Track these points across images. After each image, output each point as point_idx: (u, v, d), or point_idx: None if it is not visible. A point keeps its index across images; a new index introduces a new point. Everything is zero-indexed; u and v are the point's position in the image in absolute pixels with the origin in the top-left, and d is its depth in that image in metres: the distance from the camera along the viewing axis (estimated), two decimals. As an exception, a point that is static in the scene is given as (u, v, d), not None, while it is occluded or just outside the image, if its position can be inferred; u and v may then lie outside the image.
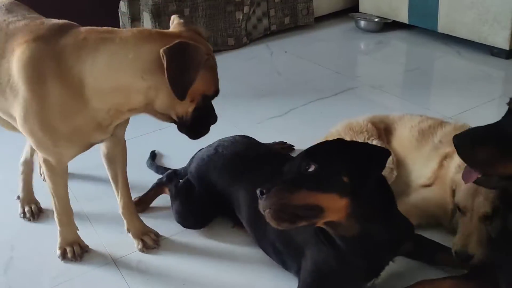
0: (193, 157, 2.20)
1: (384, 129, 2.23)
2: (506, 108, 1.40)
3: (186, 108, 1.67)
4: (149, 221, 2.12)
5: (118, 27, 3.57)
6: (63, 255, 1.97)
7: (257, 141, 2.18)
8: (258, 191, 1.40)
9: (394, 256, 1.65)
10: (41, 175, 2.33)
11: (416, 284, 1.63)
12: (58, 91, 1.59)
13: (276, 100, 3.21)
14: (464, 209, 1.72)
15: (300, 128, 2.83)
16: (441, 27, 3.77)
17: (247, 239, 1.98)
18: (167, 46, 1.52)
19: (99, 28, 1.65)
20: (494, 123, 1.32)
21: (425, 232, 1.83)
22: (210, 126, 1.81)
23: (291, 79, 3.54)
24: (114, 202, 2.05)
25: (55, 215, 1.95)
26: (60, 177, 1.86)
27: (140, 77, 1.57)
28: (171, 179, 2.21)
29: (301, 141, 2.37)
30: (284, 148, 2.55)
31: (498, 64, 3.45)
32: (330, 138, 2.20)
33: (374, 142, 2.12)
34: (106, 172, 2.01)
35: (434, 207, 1.93)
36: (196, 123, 1.73)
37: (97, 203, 2.30)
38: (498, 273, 1.42)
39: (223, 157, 2.04)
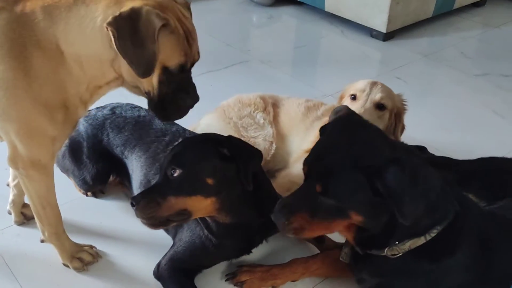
0: None
1: (273, 104, 2.36)
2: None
3: (150, 81, 1.46)
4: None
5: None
6: (78, 267, 1.80)
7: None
8: (130, 200, 1.49)
9: (267, 237, 1.79)
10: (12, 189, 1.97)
11: (291, 261, 1.78)
12: (40, 61, 1.40)
13: (167, 70, 3.20)
14: None
15: (190, 100, 2.86)
16: (328, 7, 3.97)
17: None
18: (112, 16, 1.33)
19: None
20: (305, 185, 1.43)
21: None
22: (184, 107, 1.55)
23: (183, 49, 3.53)
24: None
25: (47, 231, 1.74)
26: (51, 178, 1.63)
27: (108, 46, 1.39)
28: None
29: (190, 114, 2.39)
30: None
31: (376, 46, 3.72)
32: (220, 111, 2.31)
33: (259, 115, 2.27)
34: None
35: None
36: (165, 101, 1.50)
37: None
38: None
39: (124, 118, 2.00)
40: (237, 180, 1.52)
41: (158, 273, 1.74)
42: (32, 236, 1.93)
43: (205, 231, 1.67)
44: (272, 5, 4.34)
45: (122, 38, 1.33)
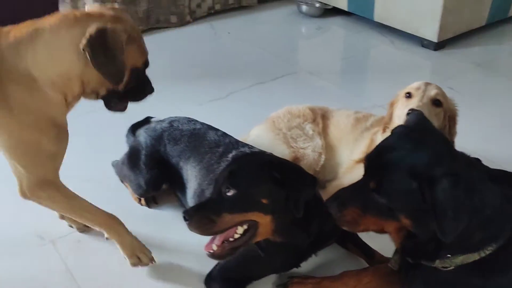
0: (130, 131, 2.36)
1: (322, 116, 2.38)
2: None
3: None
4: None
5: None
6: (135, 264, 1.88)
7: (212, 127, 2.19)
8: (183, 214, 1.53)
9: (316, 252, 1.81)
10: None
11: (342, 274, 1.78)
12: (20, 94, 1.55)
13: (217, 82, 3.28)
14: None
15: (240, 112, 2.92)
16: (377, 16, 3.95)
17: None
18: (86, 38, 1.51)
19: (22, 23, 1.60)
20: (359, 182, 1.47)
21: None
22: (145, 95, 1.80)
23: (233, 61, 3.60)
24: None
25: (103, 229, 1.84)
26: (64, 190, 1.75)
27: (77, 60, 1.56)
28: None
29: (240, 125, 2.46)
30: None
31: (427, 55, 3.67)
32: (269, 122, 2.35)
33: (308, 126, 2.30)
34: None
35: None
36: (129, 94, 1.73)
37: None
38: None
39: (181, 131, 2.09)
40: (287, 205, 1.55)
41: (209, 283, 1.78)
42: (92, 241, 2.03)
43: (255, 246, 1.70)
44: (321, 16, 4.36)
45: (97, 57, 1.52)
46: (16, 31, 1.57)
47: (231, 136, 2.07)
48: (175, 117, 2.22)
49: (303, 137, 2.26)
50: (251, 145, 2.00)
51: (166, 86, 3.19)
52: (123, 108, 1.80)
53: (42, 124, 1.60)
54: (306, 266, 1.85)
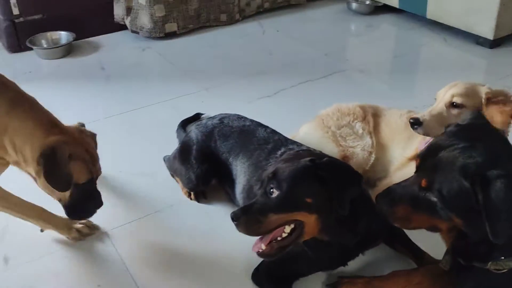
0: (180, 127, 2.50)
1: (373, 114, 2.36)
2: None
3: (63, 194, 1.84)
4: (139, 198, 2.24)
5: None
6: (76, 238, 2.07)
7: (262, 124, 2.21)
8: (231, 215, 1.56)
9: (364, 251, 1.80)
10: None
11: (392, 274, 1.76)
12: None
13: (266, 80, 3.30)
14: None
15: (289, 109, 2.93)
16: (430, 14, 3.86)
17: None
18: (40, 152, 1.73)
19: None
20: (412, 178, 1.45)
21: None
22: (93, 210, 1.94)
23: (281, 59, 3.62)
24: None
25: (33, 221, 2.03)
26: None
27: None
28: None
29: (290, 123, 2.47)
30: None
31: (482, 53, 3.56)
32: (319, 120, 2.34)
33: (358, 124, 2.28)
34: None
35: None
36: (75, 207, 1.89)
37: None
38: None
39: (231, 128, 2.14)
40: (332, 204, 1.56)
41: (256, 277, 1.81)
42: (143, 232, 2.10)
43: (302, 244, 1.70)
44: (371, 13, 4.30)
45: (48, 171, 1.73)
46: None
47: (280, 134, 2.08)
48: (226, 114, 2.26)
49: (353, 136, 2.24)
50: (299, 143, 2.01)
51: (216, 84, 3.25)
52: (77, 217, 2.00)
53: None
54: (354, 265, 1.84)
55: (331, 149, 2.18)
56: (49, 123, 1.81)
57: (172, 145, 2.46)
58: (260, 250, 1.61)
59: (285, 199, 1.55)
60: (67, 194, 1.83)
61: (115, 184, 2.37)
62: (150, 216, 2.18)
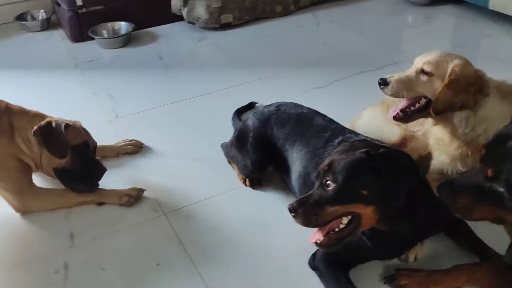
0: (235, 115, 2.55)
1: None
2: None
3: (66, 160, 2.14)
4: (190, 183, 2.30)
5: None
6: (127, 202, 2.23)
7: (319, 112, 2.21)
8: (288, 207, 1.59)
9: (422, 240, 1.78)
10: None
11: (453, 267, 1.72)
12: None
13: (321, 71, 3.29)
14: None
15: (344, 100, 2.92)
16: (493, 4, 3.72)
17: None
18: (38, 126, 2.08)
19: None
20: (477, 168, 1.41)
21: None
22: (97, 174, 2.20)
23: (336, 50, 3.59)
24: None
25: (91, 201, 2.24)
26: (39, 191, 2.25)
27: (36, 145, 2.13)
28: None
29: (344, 113, 2.46)
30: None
31: (548, 46, 3.41)
32: (384, 105, 2.36)
33: None
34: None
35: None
36: (78, 173, 2.16)
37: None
38: None
39: (288, 114, 2.16)
40: (388, 195, 1.55)
41: (313, 264, 1.82)
42: (199, 216, 2.15)
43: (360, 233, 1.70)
44: (429, 4, 4.20)
45: (45, 139, 2.08)
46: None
47: (337, 123, 2.08)
48: (282, 102, 2.27)
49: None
50: (357, 132, 2.00)
51: (271, 74, 3.27)
52: (85, 189, 2.20)
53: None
54: (413, 258, 1.82)
55: (393, 131, 2.21)
56: (42, 114, 2.19)
57: (228, 132, 2.50)
58: (318, 241, 1.63)
59: (340, 191, 1.55)
60: (69, 159, 2.13)
61: (174, 169, 2.44)
62: (206, 200, 2.23)
